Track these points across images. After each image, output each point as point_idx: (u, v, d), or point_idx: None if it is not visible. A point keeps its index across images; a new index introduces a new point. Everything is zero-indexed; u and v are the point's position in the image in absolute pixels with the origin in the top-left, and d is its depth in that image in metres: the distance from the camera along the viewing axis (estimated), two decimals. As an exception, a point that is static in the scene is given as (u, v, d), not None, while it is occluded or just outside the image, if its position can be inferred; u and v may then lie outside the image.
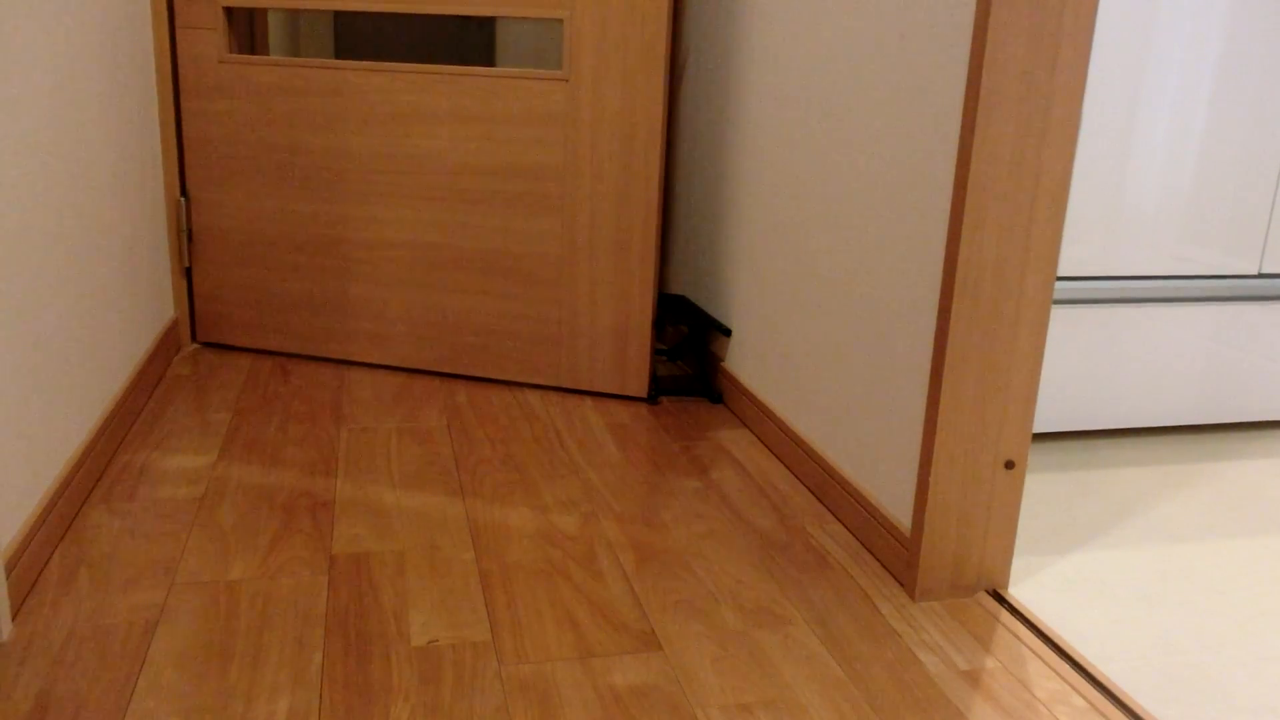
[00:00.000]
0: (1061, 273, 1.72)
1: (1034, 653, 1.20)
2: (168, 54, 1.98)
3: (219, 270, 2.08)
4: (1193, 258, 1.77)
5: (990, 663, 1.18)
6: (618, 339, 1.94)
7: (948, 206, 1.24)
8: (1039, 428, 1.81)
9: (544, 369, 1.99)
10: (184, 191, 2.06)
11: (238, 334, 2.12)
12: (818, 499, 1.58)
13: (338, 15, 2.90)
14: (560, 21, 1.85)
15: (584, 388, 1.98)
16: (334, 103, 1.94)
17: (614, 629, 1.21)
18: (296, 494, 1.51)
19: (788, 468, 1.69)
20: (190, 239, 2.08)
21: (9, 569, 1.16)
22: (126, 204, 1.76)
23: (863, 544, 1.44)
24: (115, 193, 1.69)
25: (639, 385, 1.96)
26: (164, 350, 1.98)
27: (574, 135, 1.86)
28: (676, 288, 2.27)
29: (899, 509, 1.37)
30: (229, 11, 1.97)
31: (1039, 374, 1.27)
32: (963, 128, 1.19)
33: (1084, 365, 1.78)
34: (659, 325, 2.30)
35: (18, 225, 1.25)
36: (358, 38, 2.91)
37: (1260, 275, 1.81)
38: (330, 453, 1.66)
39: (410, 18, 2.95)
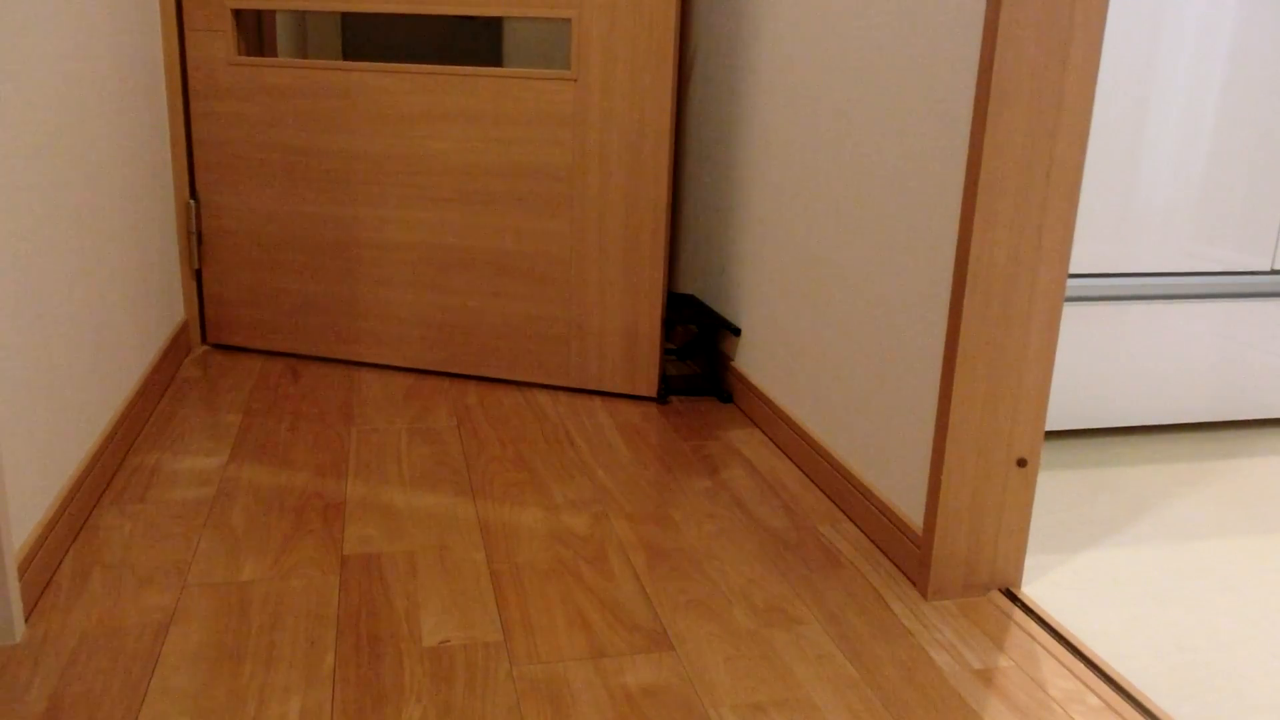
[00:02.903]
0: (1073, 270, 1.71)
1: (1048, 651, 1.20)
2: (177, 56, 1.98)
3: (229, 272, 2.09)
4: (1205, 254, 1.76)
5: (1004, 662, 1.17)
6: (627, 339, 1.94)
7: (959, 204, 1.24)
8: (1051, 425, 1.81)
9: (554, 369, 1.99)
10: (194, 194, 2.06)
11: (248, 335, 2.12)
12: (829, 498, 1.57)
13: (345, 17, 2.91)
14: (568, 21, 1.84)
15: (594, 388, 1.98)
16: (343, 104, 1.95)
17: (625, 629, 1.21)
18: (307, 495, 1.51)
19: (798, 467, 1.68)
20: (200, 241, 2.08)
21: (22, 571, 1.16)
22: (136, 207, 1.76)
23: (874, 543, 1.44)
24: (125, 195, 1.69)
25: (649, 385, 1.96)
26: (174, 352, 1.98)
27: (582, 135, 1.86)
28: (686, 287, 2.26)
29: (911, 508, 1.36)
30: (238, 14, 1.97)
31: (1051, 371, 1.26)
32: (973, 125, 1.18)
33: (1096, 363, 1.77)
34: (668, 325, 2.30)
35: (28, 228, 1.25)
36: (365, 39, 2.91)
37: (1273, 272, 1.80)
38: (341, 454, 1.66)
39: (417, 19, 2.96)
